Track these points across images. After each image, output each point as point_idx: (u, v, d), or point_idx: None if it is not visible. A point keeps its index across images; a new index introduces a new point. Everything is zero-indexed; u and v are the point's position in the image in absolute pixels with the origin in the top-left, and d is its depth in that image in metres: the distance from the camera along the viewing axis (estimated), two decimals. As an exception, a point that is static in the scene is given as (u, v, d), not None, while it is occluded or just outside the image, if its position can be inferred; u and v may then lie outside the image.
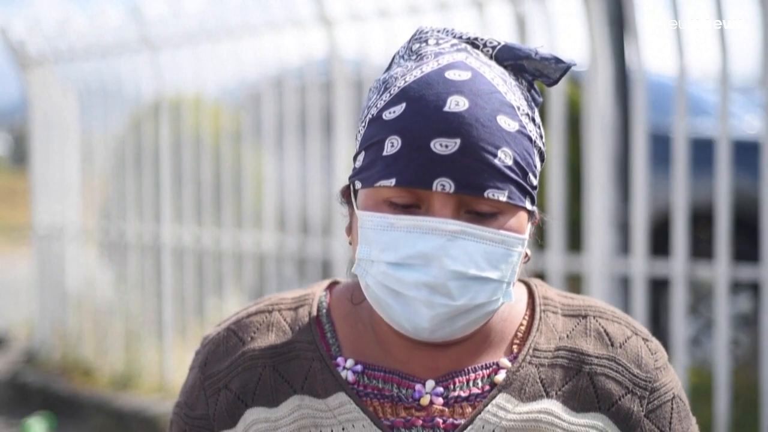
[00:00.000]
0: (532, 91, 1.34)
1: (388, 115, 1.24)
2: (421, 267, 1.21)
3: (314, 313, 1.40)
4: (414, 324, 1.24)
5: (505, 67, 1.32)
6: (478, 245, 1.22)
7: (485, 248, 1.22)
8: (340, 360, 1.35)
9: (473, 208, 1.22)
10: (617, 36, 4.08)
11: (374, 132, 1.26)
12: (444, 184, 1.20)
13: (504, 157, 1.21)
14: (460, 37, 1.33)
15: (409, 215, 1.22)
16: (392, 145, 1.22)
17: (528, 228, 1.28)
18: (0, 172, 24.45)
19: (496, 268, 1.23)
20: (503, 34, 4.15)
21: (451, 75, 1.24)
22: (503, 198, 1.21)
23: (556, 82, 1.33)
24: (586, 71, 3.95)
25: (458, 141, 1.19)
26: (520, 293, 1.40)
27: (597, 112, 3.89)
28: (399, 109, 1.24)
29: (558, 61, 1.31)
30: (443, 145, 1.19)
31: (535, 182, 1.27)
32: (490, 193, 1.21)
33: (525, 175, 1.24)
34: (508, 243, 1.24)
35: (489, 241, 1.22)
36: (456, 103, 1.21)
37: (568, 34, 4.37)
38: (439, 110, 1.21)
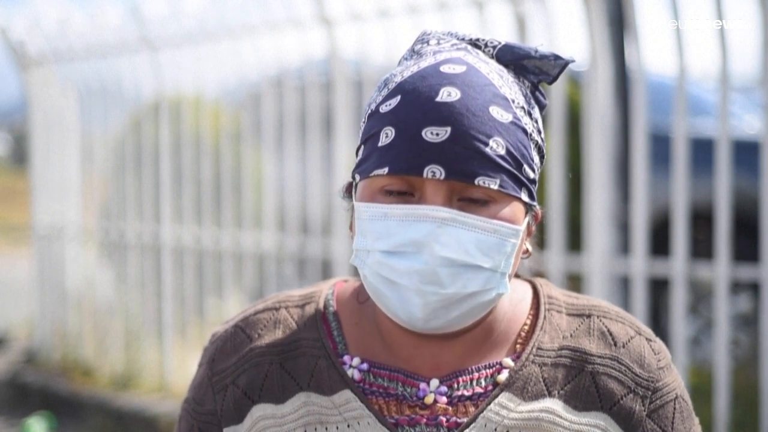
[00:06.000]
0: (537, 93, 1.35)
1: (384, 108, 1.27)
2: (412, 254, 1.23)
3: (321, 310, 1.42)
4: (408, 313, 1.25)
5: (507, 67, 1.34)
6: (469, 233, 1.23)
7: (477, 236, 1.23)
8: (346, 358, 1.37)
9: (465, 196, 1.24)
10: (617, 36, 4.07)
11: (372, 125, 1.29)
12: (435, 171, 1.21)
13: (496, 147, 1.23)
14: (462, 39, 1.36)
15: (403, 203, 1.24)
16: (386, 135, 1.25)
17: (525, 221, 1.29)
18: (0, 172, 24.45)
19: (488, 256, 1.24)
20: (503, 34, 4.15)
21: (445, 69, 1.27)
22: (494, 186, 1.23)
23: (555, 79, 1.35)
24: (586, 71, 3.96)
25: (449, 129, 1.22)
26: (524, 292, 1.42)
27: (597, 112, 3.89)
28: (394, 101, 1.26)
29: (557, 57, 1.34)
30: (434, 133, 1.22)
31: (532, 175, 1.28)
32: (481, 181, 1.22)
33: (519, 166, 1.26)
34: (500, 232, 1.24)
35: (480, 229, 1.23)
36: (448, 94, 1.24)
37: (568, 34, 4.38)
38: (431, 100, 1.23)
